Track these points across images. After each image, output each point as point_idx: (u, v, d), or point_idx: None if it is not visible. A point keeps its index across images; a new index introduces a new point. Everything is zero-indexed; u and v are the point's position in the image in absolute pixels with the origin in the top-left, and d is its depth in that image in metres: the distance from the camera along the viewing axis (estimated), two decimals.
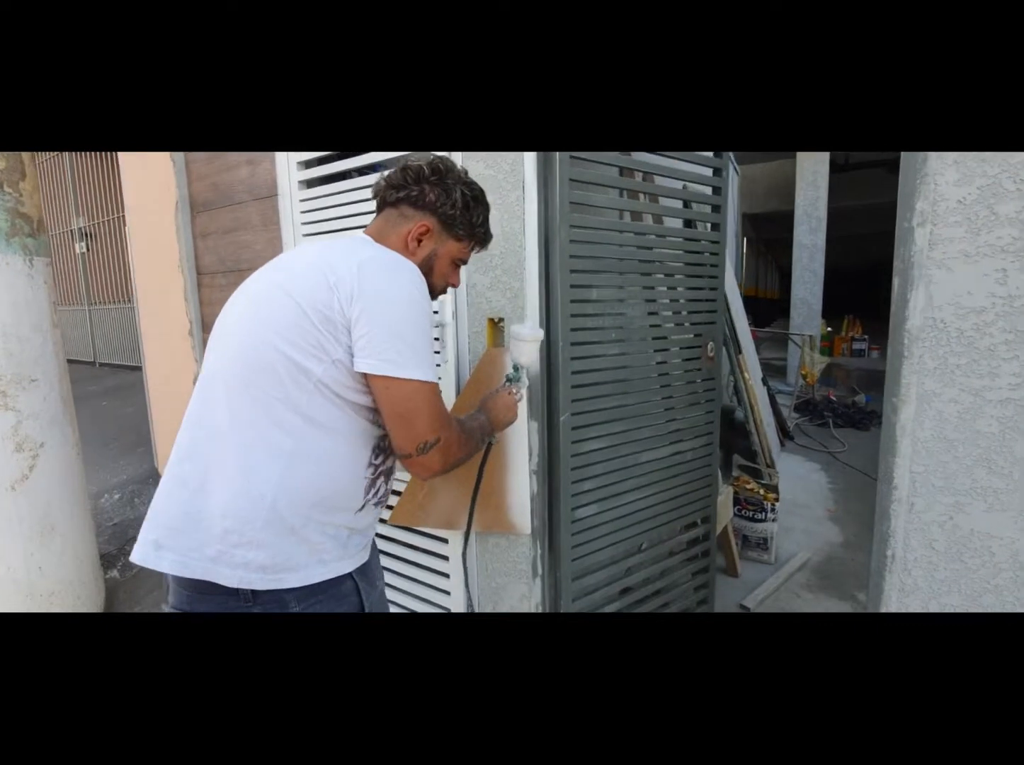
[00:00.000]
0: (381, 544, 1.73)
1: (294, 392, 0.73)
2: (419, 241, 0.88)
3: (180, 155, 2.24)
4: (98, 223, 5.28)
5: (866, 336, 8.16)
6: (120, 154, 2.67)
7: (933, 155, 0.94)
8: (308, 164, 1.82)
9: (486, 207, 0.96)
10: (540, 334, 1.15)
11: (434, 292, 0.91)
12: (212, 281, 2.25)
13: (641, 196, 1.75)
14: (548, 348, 1.40)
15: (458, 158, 1.45)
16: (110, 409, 4.19)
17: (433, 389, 0.78)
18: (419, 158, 0.89)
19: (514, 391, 1.10)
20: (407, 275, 0.79)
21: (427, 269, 0.88)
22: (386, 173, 0.91)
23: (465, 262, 0.98)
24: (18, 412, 1.79)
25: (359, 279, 0.74)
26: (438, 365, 1.57)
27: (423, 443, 0.77)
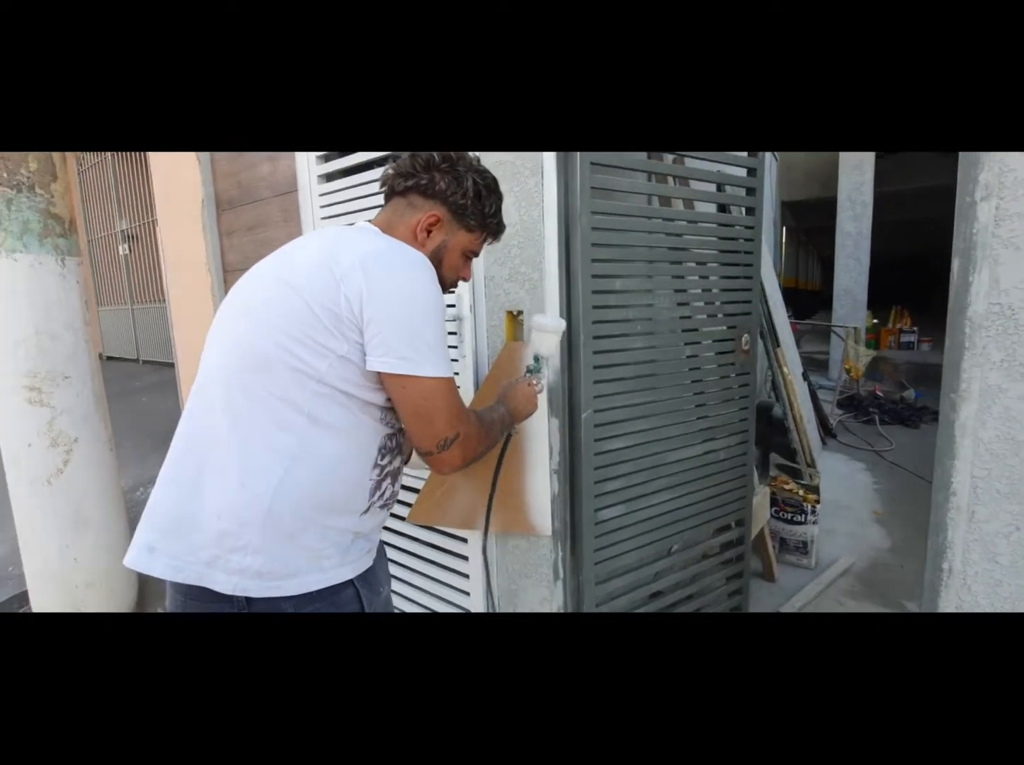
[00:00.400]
0: (400, 542, 1.70)
1: (296, 390, 0.70)
2: (428, 232, 0.85)
3: (206, 154, 2.26)
4: (140, 225, 5.46)
5: (915, 328, 7.73)
6: (150, 155, 2.73)
7: None
8: (327, 157, 1.80)
9: (499, 196, 0.91)
10: (562, 324, 1.10)
11: (444, 285, 0.87)
12: (237, 279, 2.27)
13: (670, 179, 1.65)
14: (569, 342, 1.33)
15: None
16: (150, 404, 4.33)
17: (450, 385, 0.76)
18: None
19: (534, 382, 1.08)
20: (418, 268, 0.75)
21: (437, 261, 0.85)
22: (395, 161, 0.88)
23: (477, 254, 0.94)
24: (52, 408, 1.84)
25: (368, 273, 0.71)
26: (455, 360, 1.52)
27: (443, 440, 0.75)
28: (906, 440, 4.00)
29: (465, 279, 0.95)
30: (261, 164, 2.04)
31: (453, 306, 1.49)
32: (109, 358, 6.26)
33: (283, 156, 1.94)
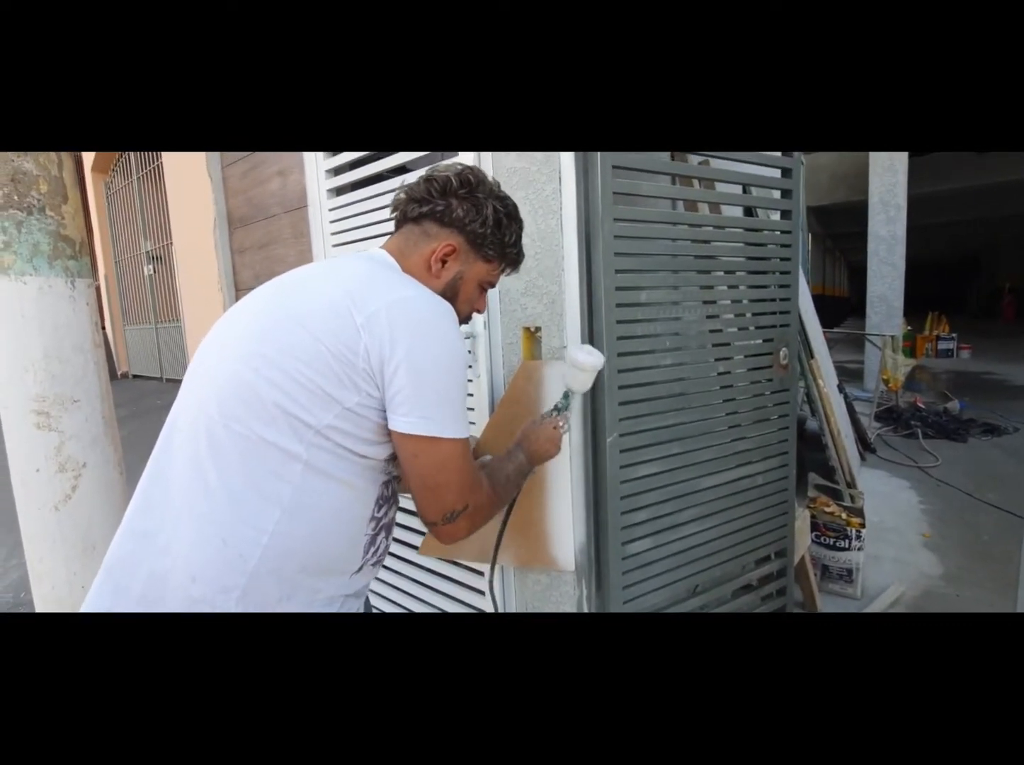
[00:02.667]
0: (411, 571, 1.60)
1: (292, 437, 0.63)
2: (443, 262, 0.78)
3: (217, 173, 2.24)
4: (163, 246, 5.56)
5: (954, 334, 7.39)
6: (166, 177, 2.73)
7: None
8: (337, 171, 1.74)
9: (520, 224, 0.85)
10: (601, 360, 0.98)
11: (459, 318, 0.80)
12: None
13: (696, 183, 1.54)
14: None
15: (487, 158, 1.31)
16: None
17: (465, 449, 0.70)
18: (445, 168, 0.79)
19: (560, 424, 0.96)
20: (447, 320, 0.71)
21: (452, 293, 0.79)
22: (407, 183, 0.81)
23: (493, 285, 0.88)
24: (61, 433, 1.80)
25: (393, 323, 0.65)
26: (469, 380, 1.43)
27: (451, 513, 0.69)
28: (953, 455, 3.75)
29: (479, 311, 0.88)
30: (271, 180, 2.00)
31: (466, 323, 1.39)
32: (135, 376, 6.38)
33: (292, 170, 1.89)
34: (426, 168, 0.82)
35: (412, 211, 0.78)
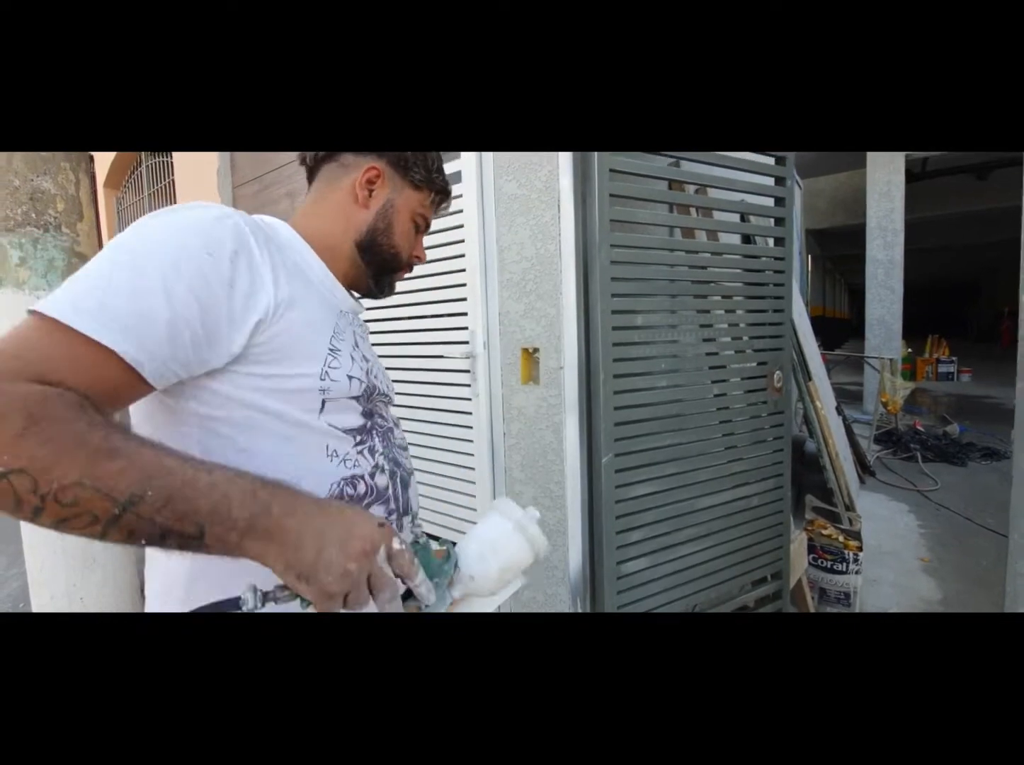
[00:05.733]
0: None
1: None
2: (370, 191, 0.69)
3: (228, 191, 2.30)
4: None
5: (954, 358, 7.42)
6: (177, 194, 2.80)
7: None
8: None
9: (438, 153, 0.75)
10: (540, 543, 0.54)
11: (398, 261, 0.73)
12: None
13: (693, 211, 1.59)
14: (588, 381, 1.25)
15: (490, 185, 1.36)
16: None
17: (40, 324, 0.44)
18: None
19: (385, 564, 0.47)
20: (164, 213, 0.54)
21: (385, 224, 0.70)
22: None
23: (427, 222, 0.77)
24: None
25: None
26: (467, 399, 1.45)
27: None
28: (952, 479, 3.75)
29: (421, 259, 0.77)
30: (280, 201, 2.05)
31: (467, 343, 1.43)
32: None
33: (301, 193, 1.94)
34: None
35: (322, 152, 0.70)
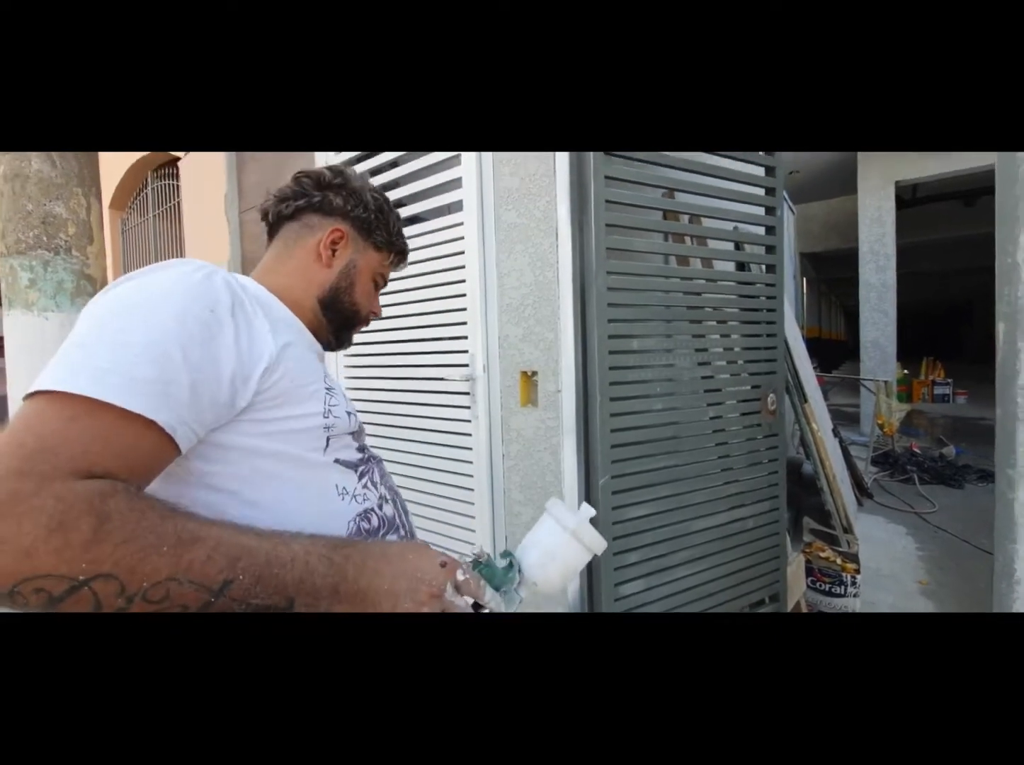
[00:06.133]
0: None
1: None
2: (333, 251, 0.71)
3: (235, 215, 2.35)
4: None
5: (949, 380, 7.47)
6: (184, 215, 2.85)
7: None
8: None
9: (398, 215, 0.80)
10: (598, 544, 0.59)
11: (357, 317, 0.76)
12: None
13: (687, 239, 1.64)
14: (585, 404, 1.28)
15: (491, 214, 1.41)
16: None
17: (62, 405, 0.41)
18: (309, 169, 0.75)
19: (465, 586, 0.51)
20: (160, 273, 0.52)
21: (348, 283, 0.73)
22: (272, 193, 0.74)
23: (385, 282, 0.81)
24: None
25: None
26: (467, 421, 1.48)
27: None
28: (949, 501, 3.76)
29: (377, 314, 0.79)
30: None
31: (467, 366, 1.46)
32: None
33: None
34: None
35: (287, 208, 0.71)
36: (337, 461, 0.61)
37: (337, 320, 0.72)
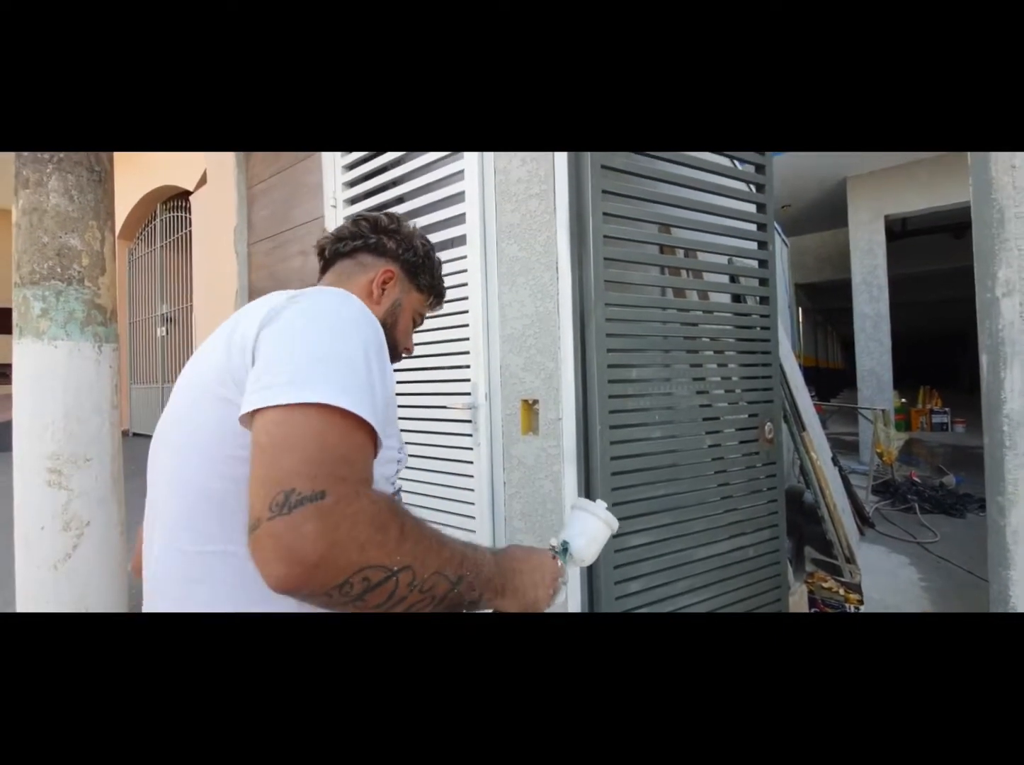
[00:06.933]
0: None
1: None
2: (383, 289, 0.78)
3: (244, 248, 2.42)
4: (178, 309, 5.79)
5: (947, 409, 7.50)
6: (194, 247, 2.93)
7: (1010, 214, 0.83)
8: None
9: (440, 263, 0.88)
10: (614, 523, 0.74)
11: (395, 352, 0.80)
12: None
13: (684, 272, 1.69)
14: (585, 432, 1.30)
15: (493, 247, 1.46)
16: None
17: (344, 423, 0.46)
18: (368, 213, 0.83)
19: (560, 573, 0.65)
20: (336, 296, 0.58)
21: (392, 320, 0.79)
22: (330, 232, 0.82)
23: (422, 320, 0.88)
24: (70, 491, 1.84)
25: (267, 319, 0.54)
26: (467, 449, 1.50)
27: (287, 493, 0.40)
28: (951, 530, 3.74)
29: (410, 351, 0.85)
30: (294, 258, 2.17)
31: (469, 394, 1.49)
32: (135, 434, 6.42)
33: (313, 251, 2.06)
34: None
35: (344, 247, 0.78)
36: (395, 493, 0.67)
37: None
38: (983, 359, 0.87)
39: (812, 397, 3.90)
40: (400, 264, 0.80)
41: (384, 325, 0.73)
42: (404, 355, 0.84)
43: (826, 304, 11.66)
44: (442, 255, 1.59)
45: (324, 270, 0.80)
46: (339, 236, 0.79)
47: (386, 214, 0.81)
